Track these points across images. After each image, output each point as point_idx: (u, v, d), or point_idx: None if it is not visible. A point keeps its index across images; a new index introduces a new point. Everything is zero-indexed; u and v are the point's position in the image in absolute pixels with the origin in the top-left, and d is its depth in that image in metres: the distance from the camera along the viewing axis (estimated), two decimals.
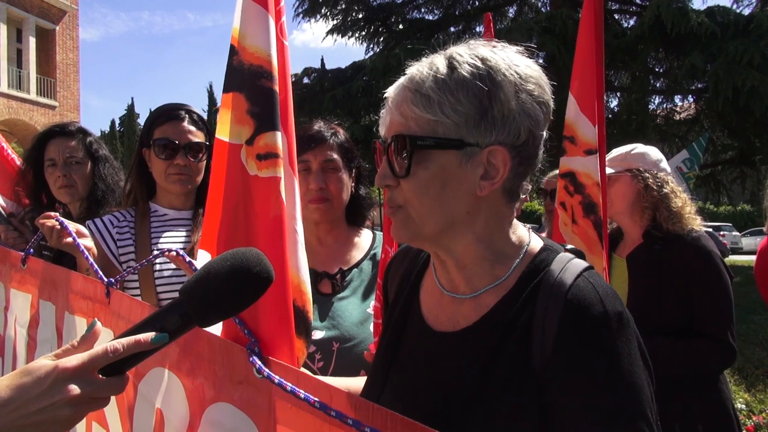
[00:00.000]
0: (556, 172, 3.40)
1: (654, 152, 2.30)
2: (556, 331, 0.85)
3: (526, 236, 1.00)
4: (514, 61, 0.92)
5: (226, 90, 1.14)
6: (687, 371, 2.07)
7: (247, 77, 1.10)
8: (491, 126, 0.89)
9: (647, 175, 2.22)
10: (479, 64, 0.90)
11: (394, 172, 0.92)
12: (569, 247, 1.01)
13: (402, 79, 0.94)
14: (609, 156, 2.27)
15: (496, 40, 0.97)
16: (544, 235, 1.16)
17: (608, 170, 2.20)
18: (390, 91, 0.95)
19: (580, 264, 0.93)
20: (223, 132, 1.14)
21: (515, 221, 1.00)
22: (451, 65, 0.90)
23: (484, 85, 0.88)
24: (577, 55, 2.09)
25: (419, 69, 0.92)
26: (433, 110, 0.88)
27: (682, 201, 2.19)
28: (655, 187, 2.19)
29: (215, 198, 1.13)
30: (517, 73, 0.90)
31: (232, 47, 1.14)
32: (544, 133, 0.95)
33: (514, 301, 0.92)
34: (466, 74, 0.89)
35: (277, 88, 1.10)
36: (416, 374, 0.99)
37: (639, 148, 2.30)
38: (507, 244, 0.97)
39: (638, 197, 2.22)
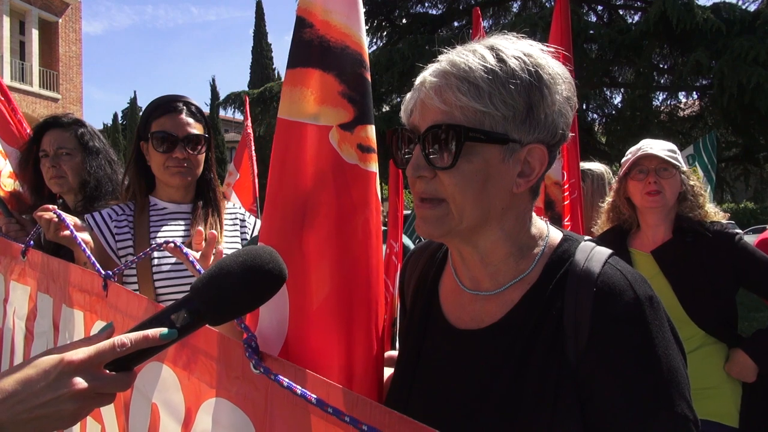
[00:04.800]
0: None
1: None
2: (590, 322, 0.84)
3: (545, 228, 0.99)
4: (549, 60, 0.90)
5: (297, 65, 1.01)
6: None
7: (339, 57, 1.01)
8: (536, 123, 0.88)
9: (684, 169, 2.35)
10: (526, 59, 0.88)
11: (430, 162, 0.88)
12: (587, 238, 1.00)
13: (443, 65, 0.89)
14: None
15: (507, 33, 0.94)
16: None
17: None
18: (427, 76, 0.89)
19: (603, 252, 0.92)
20: (293, 112, 1.01)
21: (533, 215, 0.99)
22: (499, 56, 0.87)
23: (534, 81, 0.86)
24: None
25: (462, 56, 0.88)
26: (483, 101, 0.85)
27: (703, 197, 2.33)
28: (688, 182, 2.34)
29: (288, 185, 1.00)
30: (555, 72, 0.90)
31: (300, 19, 1.02)
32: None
33: (540, 294, 0.91)
34: (515, 67, 0.86)
35: (370, 79, 1.05)
36: (444, 376, 0.97)
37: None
38: (529, 238, 0.96)
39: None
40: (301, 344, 0.99)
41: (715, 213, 2.31)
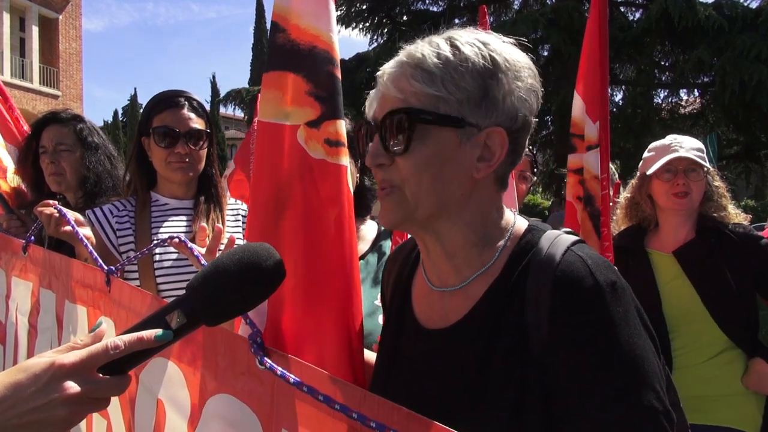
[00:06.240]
0: None
1: None
2: (549, 312, 0.81)
3: (512, 218, 0.97)
4: (509, 49, 0.92)
5: (271, 69, 1.07)
6: None
7: (307, 58, 1.06)
8: (492, 107, 0.88)
9: (709, 168, 2.27)
10: (481, 45, 0.89)
11: (387, 149, 0.89)
12: (565, 230, 0.97)
13: (399, 56, 0.91)
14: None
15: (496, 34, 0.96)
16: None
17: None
18: (385, 68, 0.92)
19: (568, 238, 0.90)
20: (268, 113, 1.07)
21: (503, 206, 0.98)
22: (453, 44, 0.89)
23: (488, 65, 0.87)
24: (583, 57, 2.20)
25: (418, 47, 0.90)
26: (436, 85, 0.86)
27: (726, 198, 2.27)
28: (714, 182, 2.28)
29: (264, 183, 1.07)
30: (515, 59, 0.91)
31: (275, 24, 1.08)
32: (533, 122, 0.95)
33: (503, 288, 0.89)
34: (469, 53, 0.87)
35: (340, 76, 1.09)
36: (415, 378, 0.96)
37: None
38: (495, 228, 0.95)
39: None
40: (278, 334, 1.01)
41: (737, 215, 2.24)
